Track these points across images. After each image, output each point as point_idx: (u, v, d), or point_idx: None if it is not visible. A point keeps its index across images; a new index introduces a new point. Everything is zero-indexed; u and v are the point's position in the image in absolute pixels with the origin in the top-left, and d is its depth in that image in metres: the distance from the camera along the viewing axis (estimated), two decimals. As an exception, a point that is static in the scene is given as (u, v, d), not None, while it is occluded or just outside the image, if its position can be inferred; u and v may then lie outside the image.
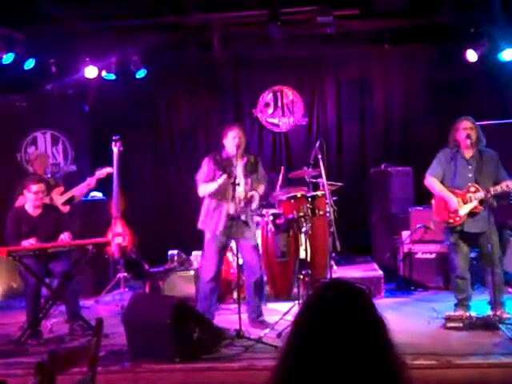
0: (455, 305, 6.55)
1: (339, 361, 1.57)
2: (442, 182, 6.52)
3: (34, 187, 6.86)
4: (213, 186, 6.32)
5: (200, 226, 6.60)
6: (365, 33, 9.62)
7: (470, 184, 6.33)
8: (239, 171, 6.43)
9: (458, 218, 6.36)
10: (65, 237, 6.76)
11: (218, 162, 6.44)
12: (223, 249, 6.55)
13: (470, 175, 6.37)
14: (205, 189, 6.43)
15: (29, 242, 6.57)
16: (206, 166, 6.49)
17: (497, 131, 8.14)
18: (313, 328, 1.63)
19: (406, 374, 1.64)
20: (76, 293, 6.83)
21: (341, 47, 9.81)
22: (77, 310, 6.77)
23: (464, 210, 6.33)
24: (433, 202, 6.66)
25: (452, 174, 6.48)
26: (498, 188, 6.23)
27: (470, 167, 6.39)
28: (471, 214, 6.32)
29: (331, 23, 8.55)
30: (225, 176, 6.19)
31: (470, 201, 6.30)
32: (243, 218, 6.42)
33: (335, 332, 1.60)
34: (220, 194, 6.34)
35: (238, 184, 6.14)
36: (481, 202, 6.28)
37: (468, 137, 6.35)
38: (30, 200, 6.92)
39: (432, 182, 6.56)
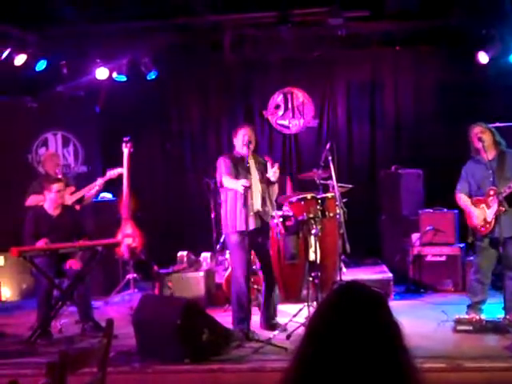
0: (468, 306, 6.54)
1: (353, 364, 1.57)
2: (469, 193, 6.58)
3: (56, 186, 6.95)
4: (235, 186, 6.31)
5: (226, 229, 6.58)
6: (376, 34, 9.59)
7: (489, 188, 6.35)
8: (254, 169, 6.49)
9: (488, 225, 6.37)
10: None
11: (234, 161, 6.49)
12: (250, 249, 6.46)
13: (491, 179, 6.34)
14: (229, 182, 6.42)
15: (43, 242, 6.60)
16: (224, 162, 6.52)
17: (508, 133, 8.10)
18: (328, 330, 1.63)
19: (419, 379, 1.63)
20: (88, 293, 6.86)
21: (352, 49, 9.79)
22: (89, 311, 6.80)
23: (490, 216, 6.34)
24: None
25: (475, 182, 6.55)
26: (507, 189, 6.23)
27: (490, 171, 6.35)
28: (498, 217, 6.28)
29: (342, 25, 8.55)
30: (244, 181, 6.17)
31: (492, 205, 6.32)
32: (263, 216, 6.50)
33: (350, 335, 1.60)
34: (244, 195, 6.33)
35: (249, 187, 6.20)
36: (499, 204, 6.28)
37: (480, 140, 6.36)
38: (51, 200, 6.98)
39: (458, 198, 6.68)
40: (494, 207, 6.29)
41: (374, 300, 1.69)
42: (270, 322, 6.55)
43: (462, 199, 6.62)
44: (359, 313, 1.64)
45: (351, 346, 1.58)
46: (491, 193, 6.32)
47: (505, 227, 6.22)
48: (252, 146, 6.49)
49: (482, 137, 6.38)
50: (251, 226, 6.24)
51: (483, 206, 6.40)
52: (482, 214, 6.38)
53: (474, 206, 6.48)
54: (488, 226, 6.36)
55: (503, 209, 6.24)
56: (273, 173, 6.41)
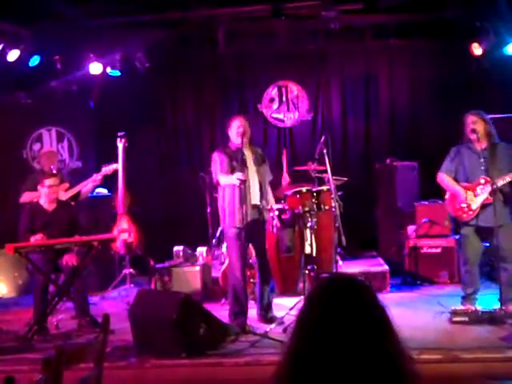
0: (462, 298, 6.56)
1: (343, 354, 1.57)
2: (455, 178, 6.54)
3: (48, 181, 6.95)
4: (231, 181, 6.29)
5: (224, 224, 6.58)
6: (369, 27, 9.59)
7: (481, 176, 6.32)
8: (250, 161, 6.46)
9: (470, 213, 6.37)
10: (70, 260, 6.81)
11: (229, 154, 6.45)
12: (247, 244, 6.50)
13: (482, 168, 6.33)
14: (224, 179, 6.39)
15: (35, 238, 6.60)
16: (219, 158, 6.48)
17: (502, 125, 8.11)
18: (315, 323, 1.64)
19: (411, 364, 1.63)
20: (84, 289, 6.85)
21: (345, 42, 9.79)
22: (85, 306, 6.79)
23: (476, 204, 6.34)
24: (446, 196, 6.69)
25: (464, 169, 6.51)
26: (500, 180, 6.20)
27: (481, 160, 6.35)
28: (484, 206, 6.29)
29: (335, 18, 8.54)
30: (240, 174, 6.15)
31: (481, 193, 6.30)
32: (260, 209, 6.49)
33: (337, 325, 1.60)
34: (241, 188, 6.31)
35: (245, 180, 6.19)
36: (491, 194, 6.24)
37: (473, 131, 6.37)
38: (44, 195, 6.98)
39: (442, 177, 6.62)
40: (483, 196, 6.28)
41: (359, 286, 1.70)
42: (266, 316, 6.56)
43: (446, 179, 6.57)
44: (345, 300, 1.65)
45: (339, 335, 1.59)
46: (482, 181, 6.31)
47: (492, 217, 6.19)
48: (246, 137, 6.46)
49: (474, 127, 6.39)
50: (249, 221, 6.20)
51: (470, 193, 6.38)
52: (469, 197, 6.37)
53: None
54: (471, 213, 6.36)
55: (491, 199, 6.22)
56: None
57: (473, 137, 6.41)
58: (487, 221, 6.29)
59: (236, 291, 6.37)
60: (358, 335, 1.59)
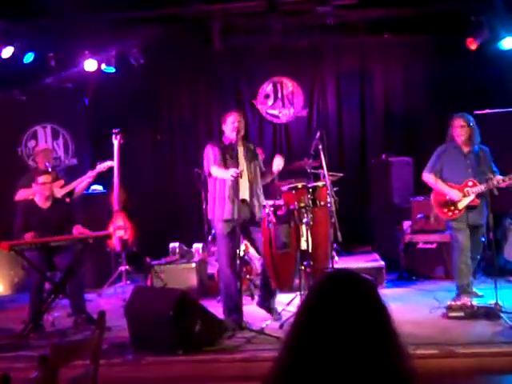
0: (457, 293, 6.58)
1: (342, 350, 1.56)
2: (440, 177, 6.69)
3: (41, 178, 6.96)
4: (224, 175, 6.24)
5: (211, 215, 6.55)
6: (364, 22, 9.59)
7: (468, 178, 6.51)
8: (241, 157, 6.44)
9: (456, 211, 6.56)
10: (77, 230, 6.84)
11: (222, 148, 6.42)
12: (238, 236, 6.42)
13: (469, 170, 6.56)
14: (217, 171, 6.34)
15: (29, 236, 6.58)
16: (212, 151, 6.44)
17: (497, 120, 8.13)
18: (316, 318, 1.62)
19: (409, 364, 1.62)
20: (80, 286, 6.84)
21: (340, 37, 9.79)
22: (81, 303, 6.78)
23: (462, 204, 6.53)
24: (432, 195, 6.82)
25: (450, 168, 6.68)
26: (494, 183, 6.39)
27: (468, 162, 6.58)
28: (469, 207, 6.51)
29: (330, 13, 8.53)
30: (234, 170, 6.11)
31: (468, 195, 6.51)
32: (252, 207, 6.45)
33: (338, 321, 1.59)
34: (232, 182, 6.28)
35: (241, 175, 6.15)
36: (477, 195, 6.46)
37: (460, 134, 6.57)
38: (38, 192, 6.97)
39: (428, 177, 6.78)
40: (470, 198, 6.48)
41: (363, 284, 1.68)
42: (267, 305, 6.53)
43: (434, 180, 6.71)
44: (348, 297, 1.63)
45: (339, 331, 1.58)
46: (470, 184, 6.49)
47: (479, 215, 6.54)
48: (241, 133, 6.44)
49: (461, 131, 6.58)
50: (238, 215, 6.13)
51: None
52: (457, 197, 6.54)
53: None
54: (457, 212, 6.55)
55: (478, 201, 6.46)
56: (277, 165, 6.39)
57: (459, 140, 6.59)
58: (477, 219, 6.57)
59: (227, 287, 6.34)
60: (356, 332, 1.57)
